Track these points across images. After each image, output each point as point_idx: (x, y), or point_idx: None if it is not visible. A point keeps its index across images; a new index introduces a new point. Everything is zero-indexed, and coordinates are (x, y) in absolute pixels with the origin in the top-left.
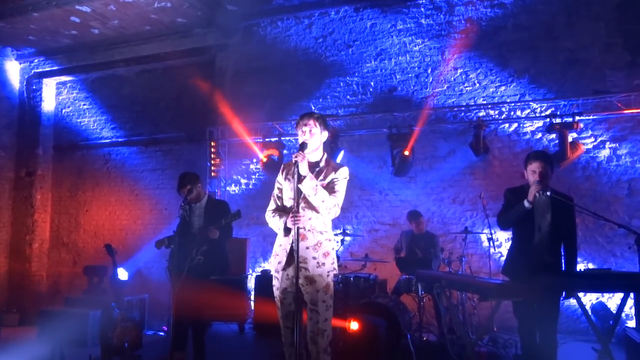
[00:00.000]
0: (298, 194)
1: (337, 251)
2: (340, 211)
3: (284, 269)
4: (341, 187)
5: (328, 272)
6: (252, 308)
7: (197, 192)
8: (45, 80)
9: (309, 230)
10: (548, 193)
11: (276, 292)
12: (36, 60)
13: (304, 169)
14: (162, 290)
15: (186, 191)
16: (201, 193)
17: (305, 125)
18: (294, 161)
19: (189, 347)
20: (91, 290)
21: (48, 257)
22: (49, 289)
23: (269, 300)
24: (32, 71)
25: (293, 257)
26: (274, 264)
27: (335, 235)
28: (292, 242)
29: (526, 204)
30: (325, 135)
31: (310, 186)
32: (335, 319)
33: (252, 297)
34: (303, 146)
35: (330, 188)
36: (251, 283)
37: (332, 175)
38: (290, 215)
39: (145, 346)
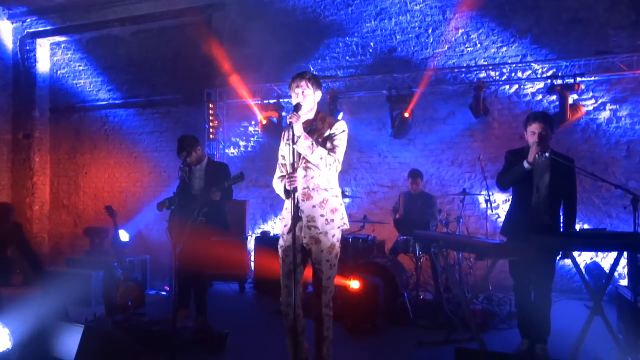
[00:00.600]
0: (295, 155)
1: None
2: (341, 166)
3: (290, 230)
4: (339, 141)
5: (338, 227)
6: (252, 268)
7: (196, 155)
8: (39, 41)
9: (313, 189)
10: (547, 154)
11: (280, 251)
12: (29, 20)
13: (298, 129)
14: (163, 251)
15: (185, 154)
16: (201, 155)
17: (298, 86)
18: (288, 122)
19: (191, 305)
20: (92, 251)
21: (49, 219)
22: (50, 250)
23: (268, 260)
24: (25, 31)
25: (298, 217)
26: (281, 226)
27: None
28: (297, 203)
29: (525, 164)
30: (318, 94)
31: (306, 145)
32: (336, 278)
33: (252, 258)
34: (297, 107)
35: (328, 144)
36: (251, 244)
37: (328, 132)
38: (287, 177)
39: (148, 305)
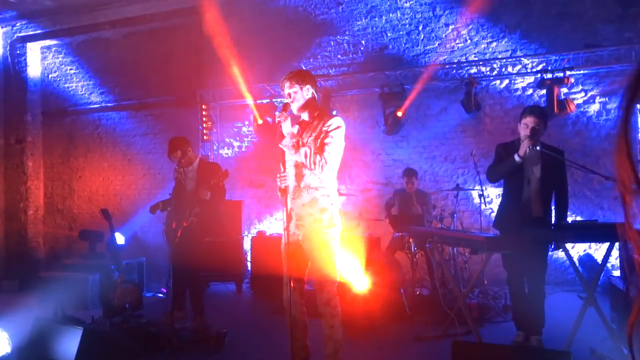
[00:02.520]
0: (286, 153)
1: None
2: (333, 164)
3: (287, 227)
4: (330, 139)
5: (327, 228)
6: (249, 268)
7: (188, 156)
8: (29, 45)
9: (303, 187)
10: (538, 148)
11: (282, 248)
12: (18, 24)
13: (285, 128)
14: (159, 253)
15: (178, 155)
16: (192, 156)
17: (284, 88)
18: (277, 122)
19: (188, 306)
20: (88, 254)
21: (44, 224)
22: (46, 255)
23: (265, 260)
24: (15, 35)
25: (291, 215)
26: (282, 224)
27: None
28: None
29: (516, 158)
30: (308, 89)
31: (290, 144)
32: (337, 276)
33: (249, 258)
34: (285, 107)
35: (319, 142)
36: (247, 244)
37: (319, 129)
38: (278, 176)
39: (145, 307)
